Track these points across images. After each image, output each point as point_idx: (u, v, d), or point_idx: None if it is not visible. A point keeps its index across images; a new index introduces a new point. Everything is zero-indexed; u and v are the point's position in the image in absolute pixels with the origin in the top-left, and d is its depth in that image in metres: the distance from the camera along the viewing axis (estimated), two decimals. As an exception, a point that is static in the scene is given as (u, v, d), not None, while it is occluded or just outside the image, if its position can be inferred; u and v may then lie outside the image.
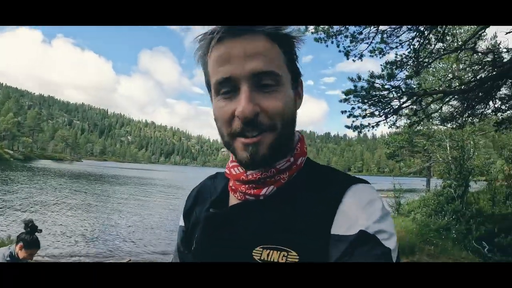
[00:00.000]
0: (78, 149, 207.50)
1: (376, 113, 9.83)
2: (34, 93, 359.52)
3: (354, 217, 0.85)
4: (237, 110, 0.86)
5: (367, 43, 9.34)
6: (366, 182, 0.95)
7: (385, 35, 9.04)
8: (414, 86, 9.59)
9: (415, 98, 8.34)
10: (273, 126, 0.88)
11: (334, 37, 9.38)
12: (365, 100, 9.63)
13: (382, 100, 9.06)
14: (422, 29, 8.45)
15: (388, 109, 9.77)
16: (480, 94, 8.10)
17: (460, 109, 9.61)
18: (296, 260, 0.84)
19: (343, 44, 9.38)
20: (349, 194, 0.89)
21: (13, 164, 50.80)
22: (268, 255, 0.87)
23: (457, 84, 9.26)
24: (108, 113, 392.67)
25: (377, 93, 9.19)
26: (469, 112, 9.35)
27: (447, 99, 8.80)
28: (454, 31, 9.98)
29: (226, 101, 0.90)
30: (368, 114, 9.82)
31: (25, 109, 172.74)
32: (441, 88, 9.61)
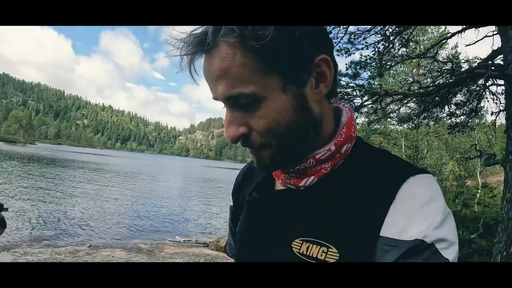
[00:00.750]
0: (32, 131, 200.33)
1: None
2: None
3: (409, 219, 0.74)
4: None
5: (335, 42, 9.66)
6: (427, 172, 0.82)
7: (352, 36, 9.39)
8: (376, 87, 9.94)
9: (376, 97, 8.71)
10: (267, 144, 0.81)
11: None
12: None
13: (345, 97, 9.38)
14: (388, 34, 8.79)
15: (350, 106, 10.09)
16: (437, 98, 8.57)
17: (417, 111, 9.95)
18: (336, 259, 0.78)
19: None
20: (405, 188, 0.77)
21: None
22: (307, 248, 0.82)
23: (416, 88, 9.68)
24: (65, 94, 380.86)
25: (341, 90, 9.51)
26: (425, 114, 9.79)
27: (405, 101, 9.23)
28: (418, 38, 10.44)
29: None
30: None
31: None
32: (401, 90, 10.09)
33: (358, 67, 9.60)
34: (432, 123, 10.99)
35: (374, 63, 9.49)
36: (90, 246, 9.20)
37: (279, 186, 0.97)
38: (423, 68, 11.34)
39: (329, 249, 0.79)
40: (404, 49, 9.18)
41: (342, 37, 9.46)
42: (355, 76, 9.51)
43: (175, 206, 17.95)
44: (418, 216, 0.74)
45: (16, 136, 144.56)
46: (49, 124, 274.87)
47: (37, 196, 16.14)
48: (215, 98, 0.80)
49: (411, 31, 8.83)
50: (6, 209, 4.67)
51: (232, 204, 1.20)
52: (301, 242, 0.84)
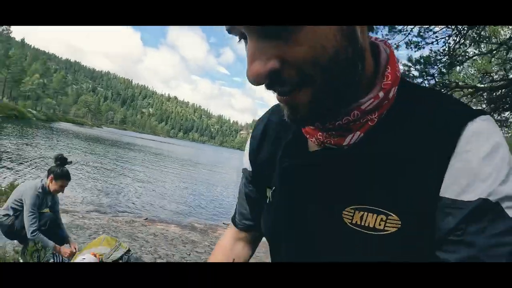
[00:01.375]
0: (99, 115, 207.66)
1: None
2: (61, 57, 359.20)
3: (472, 175, 0.65)
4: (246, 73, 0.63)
5: (404, 34, 9.42)
6: (484, 113, 0.71)
7: (422, 29, 9.16)
8: (447, 78, 9.60)
9: (446, 90, 8.52)
10: (307, 80, 0.63)
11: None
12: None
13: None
14: (460, 28, 8.61)
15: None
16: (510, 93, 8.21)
17: (487, 109, 9.59)
18: (397, 227, 0.68)
19: (381, 32, 9.39)
20: (464, 137, 0.67)
21: (34, 124, 50.48)
22: (361, 218, 0.72)
23: (487, 82, 9.36)
24: (132, 83, 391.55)
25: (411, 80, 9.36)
26: (497, 117, 9.42)
27: (476, 95, 8.97)
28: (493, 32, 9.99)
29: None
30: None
31: (51, 71, 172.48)
32: (472, 83, 9.80)
33: (427, 62, 9.44)
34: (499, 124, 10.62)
35: (444, 58, 9.28)
36: (147, 219, 9.10)
37: (313, 146, 0.84)
38: (495, 61, 10.91)
39: (389, 217, 0.69)
40: (475, 45, 8.93)
41: (411, 29, 9.36)
42: (424, 72, 9.34)
43: (230, 195, 17.94)
44: (480, 170, 0.64)
45: (84, 119, 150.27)
46: (116, 110, 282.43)
47: (100, 172, 16.68)
48: (230, 31, 0.66)
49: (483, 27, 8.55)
50: (70, 162, 4.95)
51: (247, 167, 1.07)
52: (353, 211, 0.73)
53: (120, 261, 4.41)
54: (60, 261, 4.63)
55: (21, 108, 63.15)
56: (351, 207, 0.73)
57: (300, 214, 0.83)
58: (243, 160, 1.10)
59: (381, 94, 0.71)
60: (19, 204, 4.76)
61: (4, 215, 4.74)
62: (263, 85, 0.64)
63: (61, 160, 4.86)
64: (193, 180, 21.21)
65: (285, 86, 0.63)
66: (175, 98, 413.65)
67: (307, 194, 0.81)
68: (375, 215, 0.70)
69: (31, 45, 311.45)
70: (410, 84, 0.79)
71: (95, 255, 4.23)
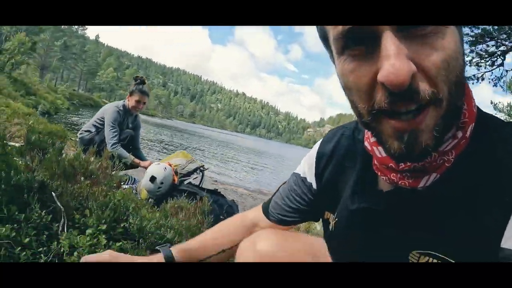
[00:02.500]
0: (169, 108, 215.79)
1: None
2: (133, 55, 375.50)
3: None
4: (381, 74, 0.56)
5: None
6: None
7: None
8: None
9: None
10: (438, 95, 0.57)
11: None
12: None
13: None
14: None
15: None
16: None
17: None
18: None
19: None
20: None
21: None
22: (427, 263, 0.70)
23: None
24: (202, 79, 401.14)
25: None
26: None
27: None
28: None
29: (359, 61, 0.61)
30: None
31: (123, 67, 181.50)
32: None
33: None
34: None
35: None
36: (216, 180, 9.47)
37: (384, 185, 0.80)
38: None
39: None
40: None
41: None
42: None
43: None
44: None
45: (155, 111, 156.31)
46: (186, 104, 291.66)
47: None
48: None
49: None
50: (145, 82, 5.14)
51: (309, 180, 1.07)
52: (418, 255, 0.70)
53: (194, 175, 4.44)
54: (133, 183, 4.71)
55: (96, 98, 66.18)
56: (417, 251, 0.71)
57: (364, 253, 0.82)
58: (303, 167, 1.11)
59: (459, 134, 0.67)
60: (100, 122, 4.96)
61: (85, 131, 4.97)
62: (387, 96, 0.58)
63: (140, 80, 5.08)
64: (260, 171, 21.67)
65: (413, 102, 0.57)
66: (243, 94, 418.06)
67: (375, 235, 0.79)
68: (439, 262, 0.67)
69: (104, 43, 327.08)
70: (487, 117, 0.73)
71: (170, 165, 4.29)
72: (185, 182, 4.30)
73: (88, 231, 1.92)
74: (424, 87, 0.56)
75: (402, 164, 0.69)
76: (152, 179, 3.92)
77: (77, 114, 27.16)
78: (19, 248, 1.88)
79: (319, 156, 1.03)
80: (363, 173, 0.86)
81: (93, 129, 4.95)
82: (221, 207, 3.98)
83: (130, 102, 4.98)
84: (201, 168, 4.60)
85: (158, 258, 1.27)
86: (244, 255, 1.16)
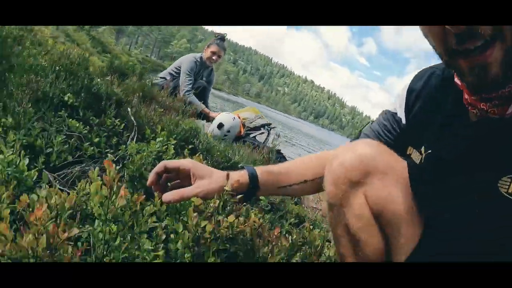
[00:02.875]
0: (237, 85, 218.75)
1: None
2: (207, 29, 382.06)
3: None
4: None
5: None
6: None
7: None
8: None
9: None
10: (500, 34, 0.64)
11: None
12: None
13: None
14: None
15: None
16: None
17: None
18: None
19: None
20: None
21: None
22: None
23: None
24: (272, 61, 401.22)
25: None
26: None
27: None
28: None
29: None
30: None
31: (196, 40, 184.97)
32: None
33: None
34: None
35: None
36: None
37: (473, 116, 0.85)
38: None
39: None
40: None
41: None
42: None
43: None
44: None
45: (222, 86, 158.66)
46: (253, 84, 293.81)
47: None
48: None
49: None
50: (225, 38, 5.37)
51: (399, 115, 1.13)
52: (509, 180, 0.73)
53: (260, 131, 4.42)
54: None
55: (166, 66, 67.74)
56: (508, 176, 0.72)
57: (454, 183, 0.85)
58: (394, 104, 1.17)
59: None
60: (176, 71, 5.11)
61: (161, 78, 5.12)
62: (454, 38, 0.64)
63: (220, 35, 5.31)
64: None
65: (478, 39, 0.62)
66: (312, 81, 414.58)
67: (464, 163, 0.82)
68: None
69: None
70: None
71: (239, 117, 4.29)
72: (251, 136, 4.29)
73: (159, 138, 1.91)
74: (484, 27, 0.60)
75: (493, 93, 0.72)
76: (220, 125, 3.95)
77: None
78: (88, 143, 1.96)
79: (410, 92, 1.09)
80: (453, 107, 0.91)
81: (168, 77, 5.10)
82: None
83: (206, 53, 5.10)
84: (269, 126, 4.56)
85: (241, 175, 1.26)
86: (341, 158, 1.10)
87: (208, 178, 1.19)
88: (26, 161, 1.38)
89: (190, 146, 2.17)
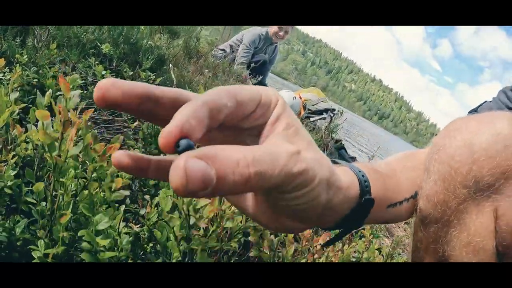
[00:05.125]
0: (303, 76, 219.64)
1: None
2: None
3: None
4: None
5: None
6: None
7: None
8: None
9: None
10: None
11: None
12: None
13: None
14: None
15: None
16: None
17: None
18: None
19: None
20: None
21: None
22: None
23: None
24: (341, 56, 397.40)
25: None
26: None
27: None
28: None
29: None
30: None
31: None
32: None
33: None
34: None
35: None
36: None
37: None
38: None
39: None
40: None
41: None
42: None
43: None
44: None
45: (289, 76, 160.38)
46: (320, 77, 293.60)
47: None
48: None
49: None
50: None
51: None
52: None
53: (323, 116, 4.00)
54: None
55: (234, 48, 70.27)
56: None
57: None
58: None
59: None
60: (237, 43, 4.91)
61: (220, 49, 4.91)
62: None
63: None
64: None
65: None
66: (380, 81, 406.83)
67: None
68: None
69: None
70: None
71: (300, 97, 3.90)
72: (311, 119, 3.88)
73: None
74: None
75: None
76: (279, 103, 3.58)
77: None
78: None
79: None
80: None
81: (228, 49, 4.94)
82: (342, 157, 3.59)
83: (273, 28, 4.82)
84: (332, 112, 4.09)
85: (348, 179, 0.58)
86: (463, 137, 0.61)
87: (313, 152, 0.49)
88: (15, 94, 1.13)
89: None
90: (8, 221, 0.91)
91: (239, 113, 0.41)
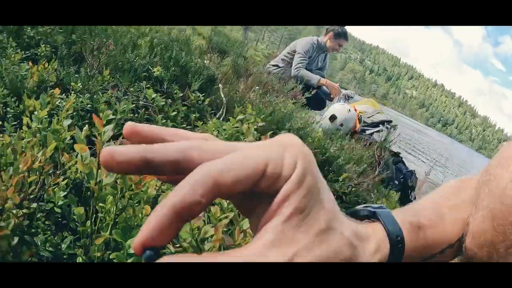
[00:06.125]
0: (363, 85, 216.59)
1: None
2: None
3: None
4: None
5: None
6: None
7: None
8: None
9: None
10: None
11: None
12: None
13: None
14: None
15: None
16: None
17: None
18: None
19: None
20: None
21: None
22: None
23: None
24: (400, 61, 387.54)
25: None
26: None
27: None
28: None
29: None
30: None
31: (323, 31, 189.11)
32: None
33: None
34: None
35: None
36: None
37: None
38: None
39: None
40: None
41: None
42: None
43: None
44: None
45: (348, 85, 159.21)
46: (380, 85, 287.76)
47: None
48: None
49: None
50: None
51: None
52: None
53: (380, 128, 3.88)
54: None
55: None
56: None
57: None
58: None
59: None
60: (290, 56, 4.82)
61: (273, 65, 4.94)
62: None
63: (343, 28, 4.98)
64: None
65: None
66: (442, 85, 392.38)
67: None
68: None
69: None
70: None
71: (355, 109, 3.81)
72: (367, 132, 3.77)
73: (239, 116, 1.55)
74: None
75: None
76: (332, 117, 3.51)
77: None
78: (162, 115, 1.81)
79: None
80: None
81: (281, 64, 4.94)
82: (400, 171, 3.45)
83: (331, 42, 4.82)
84: (389, 124, 3.96)
85: (378, 238, 0.52)
86: None
87: (324, 245, 0.41)
88: (68, 122, 1.26)
89: (282, 132, 1.80)
90: (55, 238, 1.02)
91: (234, 190, 0.35)
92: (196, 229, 0.80)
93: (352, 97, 4.54)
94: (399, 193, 3.31)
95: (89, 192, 1.10)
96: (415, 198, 3.40)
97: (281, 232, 0.35)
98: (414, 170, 3.75)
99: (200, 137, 0.41)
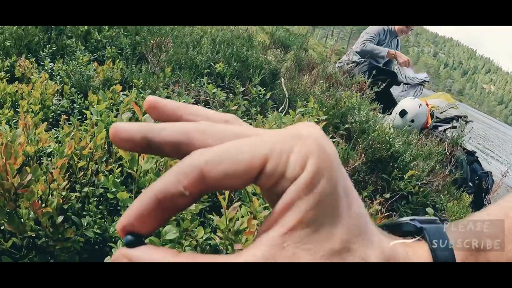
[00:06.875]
0: (437, 80, 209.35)
1: None
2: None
3: None
4: None
5: None
6: None
7: None
8: None
9: None
10: None
11: None
12: None
13: None
14: None
15: None
16: None
17: None
18: None
19: None
20: None
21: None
22: None
23: None
24: (476, 54, 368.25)
25: None
26: None
27: None
28: None
29: None
30: None
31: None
32: None
33: None
34: None
35: None
36: None
37: None
38: None
39: None
40: None
41: None
42: None
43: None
44: None
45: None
46: (455, 80, 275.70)
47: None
48: None
49: None
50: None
51: None
52: None
53: (452, 123, 3.68)
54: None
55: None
56: None
57: None
58: None
59: None
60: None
61: (346, 60, 4.99)
62: None
63: None
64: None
65: None
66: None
67: None
68: None
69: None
70: None
71: (427, 104, 3.63)
72: (439, 129, 3.58)
73: (299, 109, 1.53)
74: None
75: None
76: (403, 113, 3.36)
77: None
78: (222, 109, 1.83)
79: None
80: None
81: (354, 57, 4.81)
82: (474, 172, 3.23)
83: (400, 26, 4.80)
84: (464, 119, 3.73)
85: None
86: None
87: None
88: (126, 115, 1.23)
89: (345, 126, 1.72)
90: (105, 221, 1.08)
91: (223, 185, 0.30)
92: (231, 220, 0.77)
93: (427, 81, 4.38)
94: (472, 195, 3.09)
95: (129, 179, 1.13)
96: (489, 202, 3.17)
97: (278, 246, 0.29)
98: (490, 172, 3.51)
99: (222, 117, 0.37)
